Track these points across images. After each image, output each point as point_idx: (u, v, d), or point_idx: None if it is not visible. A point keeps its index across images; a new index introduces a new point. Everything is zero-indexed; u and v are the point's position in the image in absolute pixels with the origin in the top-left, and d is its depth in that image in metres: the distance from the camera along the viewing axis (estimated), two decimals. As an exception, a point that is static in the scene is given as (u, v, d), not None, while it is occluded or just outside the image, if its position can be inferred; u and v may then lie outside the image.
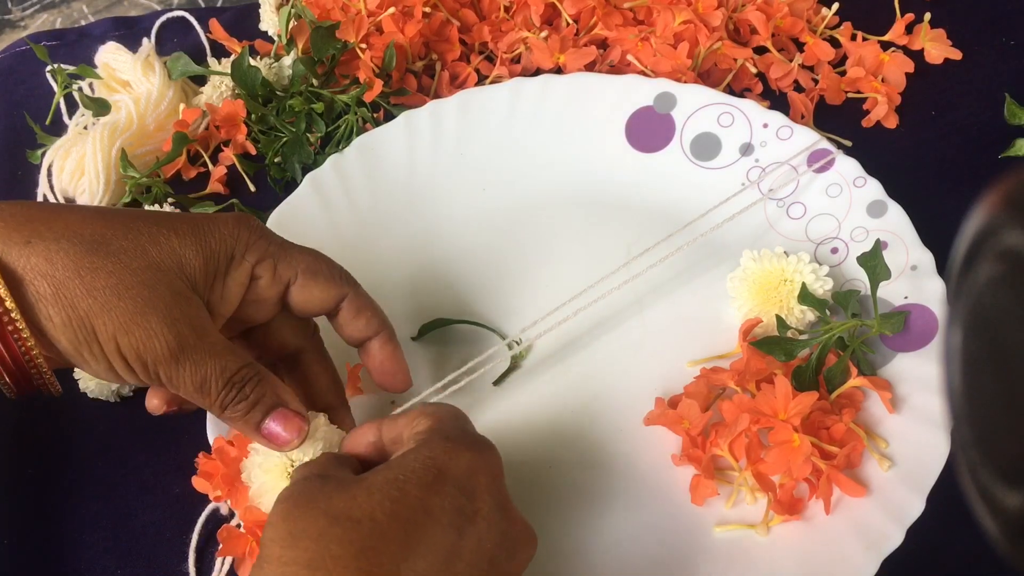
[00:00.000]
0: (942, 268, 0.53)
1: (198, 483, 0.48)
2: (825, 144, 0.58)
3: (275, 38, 0.70)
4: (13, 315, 0.40)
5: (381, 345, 0.49)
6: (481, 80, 0.67)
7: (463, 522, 0.39)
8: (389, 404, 0.53)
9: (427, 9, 0.68)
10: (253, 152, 0.65)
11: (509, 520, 0.41)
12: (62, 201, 0.64)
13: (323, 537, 0.37)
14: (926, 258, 0.54)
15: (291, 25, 0.67)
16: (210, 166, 0.65)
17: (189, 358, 0.42)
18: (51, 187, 0.65)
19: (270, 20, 0.70)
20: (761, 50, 0.67)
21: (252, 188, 0.64)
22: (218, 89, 0.66)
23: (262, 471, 0.45)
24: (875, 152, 0.60)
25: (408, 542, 0.37)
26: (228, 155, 0.64)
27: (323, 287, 0.47)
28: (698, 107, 0.61)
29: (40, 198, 0.65)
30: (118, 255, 0.41)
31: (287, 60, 0.67)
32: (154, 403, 0.46)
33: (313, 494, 0.39)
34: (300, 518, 0.38)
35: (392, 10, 0.66)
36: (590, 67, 0.65)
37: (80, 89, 0.68)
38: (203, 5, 0.85)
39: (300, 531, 0.37)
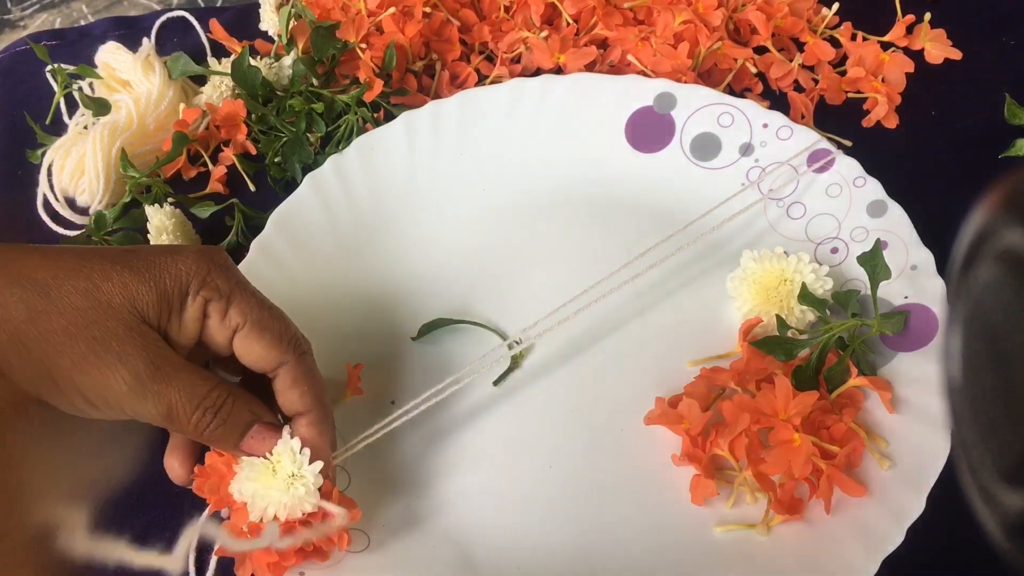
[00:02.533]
0: (942, 268, 0.53)
1: (198, 491, 0.48)
2: (825, 144, 0.58)
3: (275, 38, 0.70)
4: None
5: (307, 425, 0.46)
6: (481, 80, 0.67)
7: None
8: (389, 404, 0.53)
9: (427, 9, 0.68)
10: (253, 151, 0.65)
11: None
12: (62, 201, 0.64)
13: None
14: (926, 258, 0.54)
15: (291, 25, 0.67)
16: (210, 166, 0.65)
17: (149, 390, 0.42)
18: (51, 187, 0.65)
19: (270, 20, 0.70)
20: (761, 50, 0.67)
21: (252, 188, 0.64)
22: (218, 89, 0.66)
23: (250, 482, 0.45)
24: (875, 152, 0.60)
25: None
26: (228, 155, 0.64)
27: (265, 346, 0.45)
28: (698, 107, 0.61)
29: (40, 198, 0.65)
30: (69, 296, 0.42)
31: (287, 60, 0.67)
32: (175, 470, 0.47)
33: None
34: None
35: (392, 10, 0.66)
36: (590, 67, 0.66)
37: (80, 89, 0.68)
38: (203, 5, 0.85)
39: None
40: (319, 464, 0.45)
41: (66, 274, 0.42)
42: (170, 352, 0.43)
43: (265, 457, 0.45)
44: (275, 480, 0.45)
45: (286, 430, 0.46)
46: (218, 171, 0.64)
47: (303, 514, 0.45)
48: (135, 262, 0.44)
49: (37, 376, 0.41)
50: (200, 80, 0.69)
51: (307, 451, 0.45)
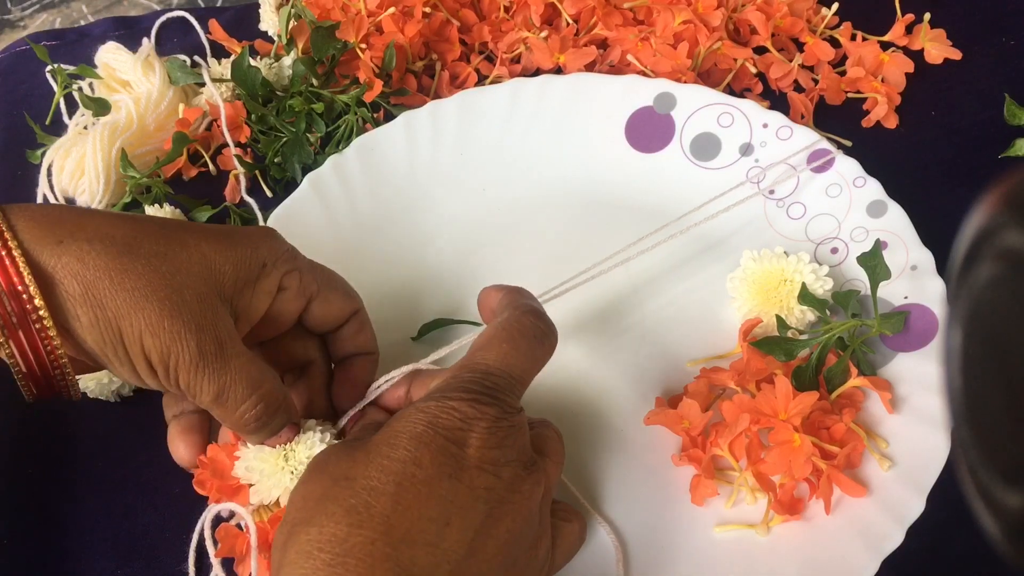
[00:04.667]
0: (942, 268, 0.53)
1: (198, 486, 0.48)
2: (825, 144, 0.58)
3: (275, 38, 0.70)
4: (41, 313, 0.40)
5: (369, 364, 0.50)
6: (481, 80, 0.67)
7: (455, 469, 0.39)
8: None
9: (427, 9, 0.68)
10: (249, 160, 0.65)
11: (521, 477, 0.41)
12: (62, 201, 0.64)
13: (325, 498, 0.38)
14: (926, 258, 0.54)
15: (291, 25, 0.67)
16: (211, 166, 0.65)
17: (210, 367, 0.42)
18: (51, 187, 0.65)
19: (270, 20, 0.70)
20: (761, 50, 0.67)
21: (269, 193, 0.63)
22: (219, 89, 0.66)
23: (258, 461, 0.45)
24: (875, 152, 0.60)
25: (398, 494, 0.38)
26: (228, 158, 0.64)
27: (340, 302, 0.49)
28: (698, 107, 0.61)
29: (40, 198, 0.65)
30: (148, 258, 0.42)
31: (287, 60, 0.67)
32: (181, 452, 0.47)
33: (326, 459, 0.41)
34: (309, 481, 0.40)
35: (392, 10, 0.66)
36: (590, 67, 0.65)
37: (80, 89, 0.68)
38: (203, 5, 0.85)
39: (308, 493, 0.39)
40: None
41: (146, 236, 0.42)
42: (235, 334, 0.44)
43: (280, 445, 0.45)
44: (287, 466, 0.45)
45: (308, 421, 0.46)
46: (231, 184, 0.63)
47: None
48: (213, 235, 0.44)
49: (105, 334, 0.41)
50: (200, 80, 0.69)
51: (322, 447, 0.45)
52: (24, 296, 0.39)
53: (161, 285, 0.41)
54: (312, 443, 0.45)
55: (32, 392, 0.42)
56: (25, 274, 0.39)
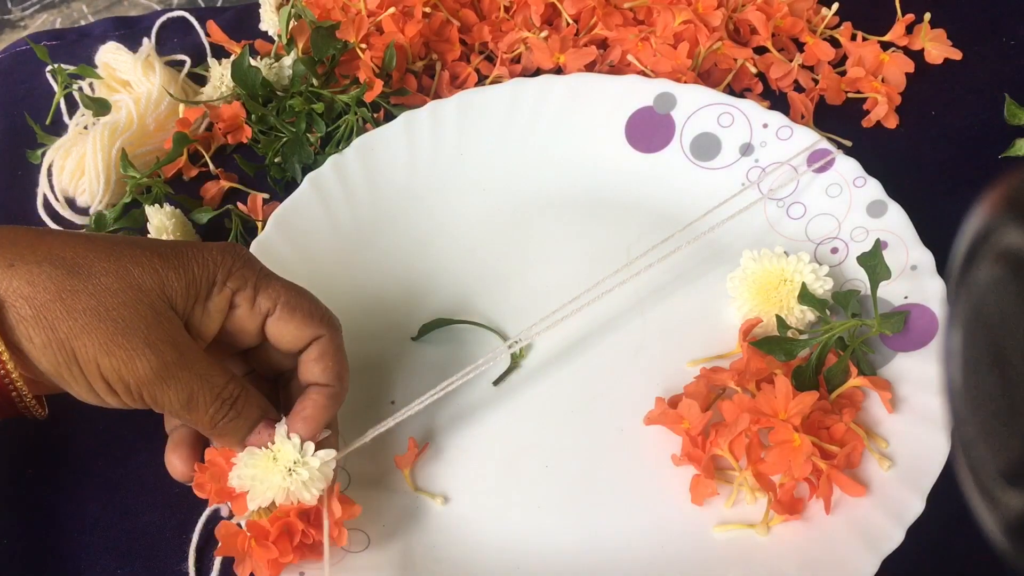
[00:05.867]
0: (942, 268, 0.53)
1: (197, 489, 0.48)
2: (825, 144, 0.58)
3: (275, 38, 0.70)
4: None
5: (322, 398, 0.47)
6: (481, 80, 0.67)
7: None
8: (389, 404, 0.53)
9: (427, 9, 0.68)
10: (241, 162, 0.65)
11: None
12: (63, 201, 0.64)
13: None
14: (926, 258, 0.54)
15: (291, 25, 0.67)
16: (211, 166, 0.65)
17: (173, 377, 0.42)
18: (51, 187, 0.65)
19: (270, 20, 0.70)
20: (761, 50, 0.67)
21: (267, 196, 0.63)
22: (219, 89, 0.66)
23: (249, 468, 0.45)
24: (875, 152, 0.60)
25: None
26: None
27: (298, 324, 0.46)
28: (698, 107, 0.61)
29: (40, 198, 0.65)
30: (99, 276, 0.42)
31: (287, 60, 0.67)
32: (176, 467, 0.47)
33: None
34: None
35: (392, 10, 0.66)
36: (590, 67, 0.66)
37: (80, 89, 0.68)
38: (203, 5, 0.85)
39: None
40: (328, 452, 0.45)
41: (96, 255, 0.42)
42: (191, 341, 0.44)
43: (266, 447, 0.45)
44: (276, 466, 0.45)
45: (281, 424, 0.46)
46: (216, 185, 0.63)
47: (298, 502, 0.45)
48: (165, 250, 0.44)
49: (59, 355, 0.41)
50: (200, 80, 0.69)
51: (310, 443, 0.45)
52: None
53: (113, 304, 0.41)
54: (298, 441, 0.45)
55: None
56: None
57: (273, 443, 0.45)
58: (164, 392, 0.42)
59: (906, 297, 0.53)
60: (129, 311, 0.41)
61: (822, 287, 0.53)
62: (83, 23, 0.82)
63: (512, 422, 0.53)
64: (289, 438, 0.45)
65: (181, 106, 0.66)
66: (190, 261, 0.44)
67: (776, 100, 0.65)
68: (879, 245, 0.52)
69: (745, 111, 0.60)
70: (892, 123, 0.64)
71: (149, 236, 0.59)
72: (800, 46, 0.67)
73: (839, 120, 0.64)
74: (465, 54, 0.69)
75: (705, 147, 0.60)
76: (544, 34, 0.66)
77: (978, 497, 0.27)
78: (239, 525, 0.47)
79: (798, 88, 0.66)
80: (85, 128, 0.67)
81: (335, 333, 0.48)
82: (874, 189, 0.56)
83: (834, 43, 0.67)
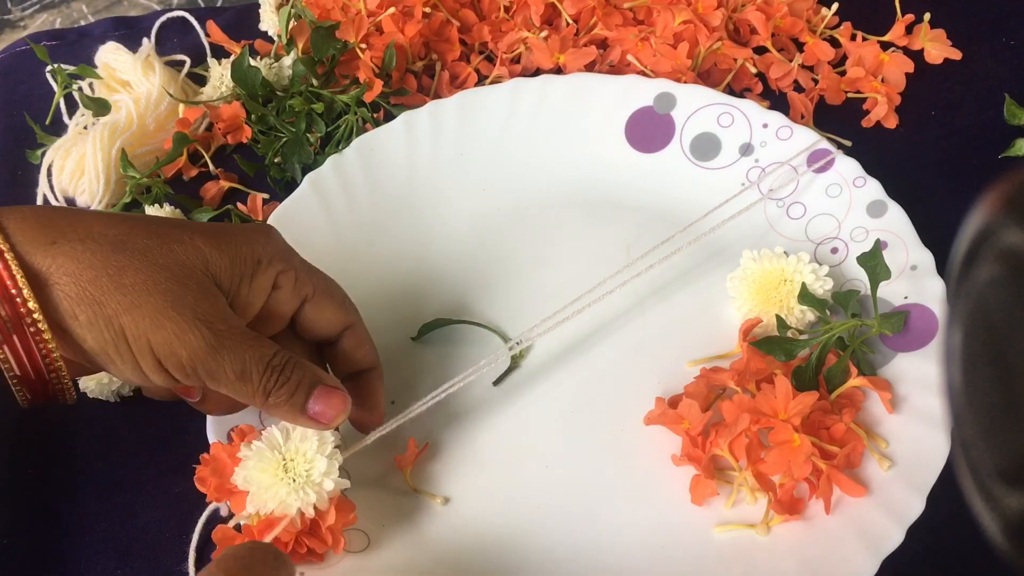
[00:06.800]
0: (942, 268, 0.53)
1: (199, 483, 0.48)
2: (825, 144, 0.58)
3: (275, 38, 0.70)
4: (35, 316, 0.39)
5: (375, 378, 0.49)
6: (481, 80, 0.67)
7: None
8: (389, 404, 0.53)
9: (427, 9, 0.68)
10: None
11: None
12: (62, 201, 0.64)
13: None
14: (926, 258, 0.54)
15: (291, 25, 0.67)
16: (211, 166, 0.65)
17: (226, 348, 0.42)
18: (51, 187, 0.65)
19: (270, 20, 0.70)
20: (761, 50, 0.67)
21: (267, 196, 0.63)
22: (219, 89, 0.66)
23: (258, 472, 0.45)
24: (875, 152, 0.60)
25: None
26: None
27: (335, 310, 0.48)
28: (698, 107, 0.61)
29: (40, 198, 0.65)
30: (145, 253, 0.41)
31: (287, 60, 0.67)
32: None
33: None
34: None
35: (392, 10, 0.66)
36: (590, 67, 0.66)
37: (80, 89, 0.68)
38: (203, 5, 0.85)
39: None
40: (342, 481, 0.45)
41: (138, 233, 0.42)
42: (236, 317, 0.44)
43: (279, 451, 0.45)
44: (286, 476, 0.44)
45: (327, 442, 0.45)
46: (215, 185, 0.63)
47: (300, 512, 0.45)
48: (205, 229, 0.44)
49: (106, 332, 0.40)
50: (200, 80, 0.69)
51: (324, 460, 0.45)
52: (17, 300, 0.39)
53: (160, 278, 0.41)
54: (312, 454, 0.45)
55: (27, 398, 0.42)
56: (18, 277, 0.39)
57: (339, 416, 0.45)
58: (219, 364, 0.42)
59: (906, 297, 0.53)
60: (177, 285, 0.41)
61: (822, 287, 0.53)
62: (83, 23, 0.82)
63: (512, 422, 0.53)
64: (326, 456, 0.45)
65: (181, 106, 0.66)
66: (232, 240, 0.44)
67: (776, 100, 0.65)
68: (879, 245, 0.52)
69: (745, 111, 0.60)
70: (892, 123, 0.64)
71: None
72: (800, 46, 0.67)
73: (839, 120, 0.64)
74: (465, 54, 0.69)
75: (705, 147, 0.60)
76: (544, 34, 0.66)
77: (978, 497, 0.27)
78: (236, 528, 0.47)
79: (798, 88, 0.66)
80: (85, 128, 0.67)
81: (362, 322, 0.49)
82: (874, 189, 0.56)
83: (834, 43, 0.67)
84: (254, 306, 0.45)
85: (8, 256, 0.39)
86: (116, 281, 0.40)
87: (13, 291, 0.39)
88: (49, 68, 0.70)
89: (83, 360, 0.42)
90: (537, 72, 0.67)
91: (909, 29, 0.67)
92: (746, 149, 0.60)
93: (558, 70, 0.66)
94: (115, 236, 0.41)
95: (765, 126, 0.60)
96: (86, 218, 0.42)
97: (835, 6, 0.67)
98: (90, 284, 0.40)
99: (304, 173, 0.60)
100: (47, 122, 0.68)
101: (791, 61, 0.65)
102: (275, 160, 0.64)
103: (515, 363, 0.55)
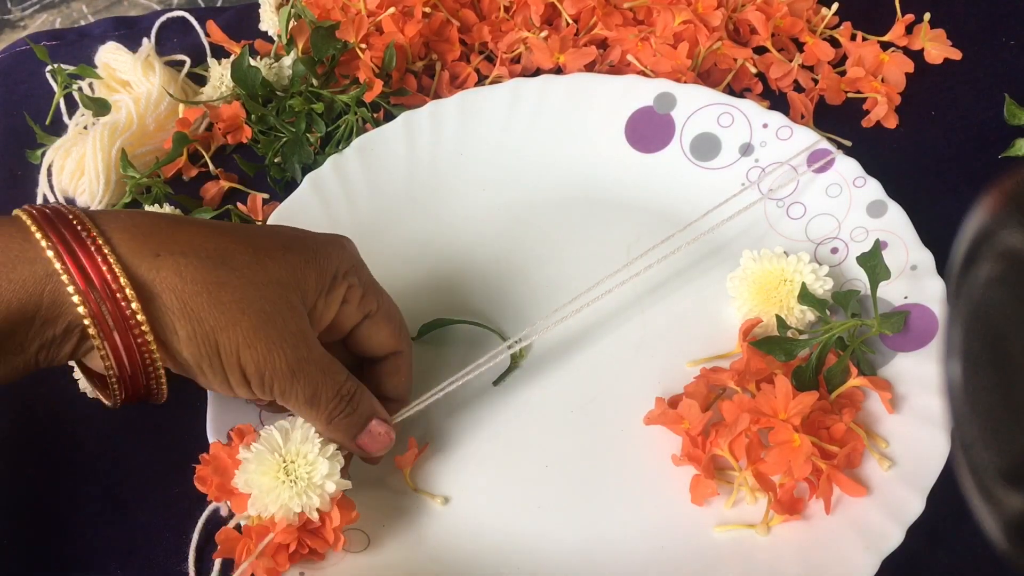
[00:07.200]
0: (942, 268, 0.53)
1: (199, 483, 0.48)
2: (825, 144, 0.58)
3: (275, 38, 0.70)
4: (143, 328, 0.40)
5: (393, 410, 0.49)
6: (481, 80, 0.67)
7: None
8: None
9: (427, 9, 0.68)
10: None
11: None
12: (62, 201, 0.64)
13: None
14: (926, 258, 0.54)
15: (291, 25, 0.67)
16: (211, 166, 0.65)
17: (304, 372, 0.43)
18: (51, 187, 0.65)
19: (270, 20, 0.70)
20: (761, 50, 0.67)
21: (267, 196, 0.63)
22: (219, 89, 0.66)
23: (259, 474, 0.45)
24: (875, 152, 0.60)
25: None
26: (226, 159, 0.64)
27: (391, 333, 0.48)
28: (698, 107, 0.61)
29: (40, 198, 0.65)
30: (242, 270, 0.42)
31: (287, 60, 0.67)
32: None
33: None
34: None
35: (392, 10, 0.66)
36: (590, 67, 0.65)
37: (80, 89, 0.68)
38: (203, 5, 0.85)
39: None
40: (344, 482, 0.46)
41: (236, 247, 0.43)
42: (314, 335, 0.44)
43: (280, 454, 0.45)
44: (287, 479, 0.44)
45: (328, 444, 0.46)
46: (215, 185, 0.63)
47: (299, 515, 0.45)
48: (293, 244, 0.45)
49: (202, 347, 0.41)
50: (200, 80, 0.69)
51: (326, 463, 0.45)
52: (121, 300, 0.40)
53: (256, 297, 0.42)
54: (314, 457, 0.45)
55: (121, 396, 0.43)
56: (122, 279, 0.40)
57: (382, 452, 0.47)
58: (293, 386, 0.43)
59: (906, 297, 0.53)
60: (270, 304, 0.42)
61: (822, 287, 0.53)
62: (83, 23, 0.82)
63: (512, 422, 0.53)
64: (328, 457, 0.45)
65: (181, 106, 0.66)
66: (317, 255, 0.45)
67: (776, 100, 0.65)
68: (879, 245, 0.52)
69: (745, 111, 0.60)
70: (892, 123, 0.64)
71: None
72: (800, 46, 0.67)
73: (839, 120, 0.64)
74: (465, 54, 0.69)
75: (705, 147, 0.60)
76: (544, 34, 0.66)
77: (978, 497, 0.27)
78: (237, 529, 0.47)
79: (798, 88, 0.66)
80: (85, 128, 0.67)
81: (411, 352, 0.49)
82: (874, 189, 0.56)
83: (834, 43, 0.67)
84: (326, 319, 0.46)
85: (112, 259, 0.40)
86: (215, 297, 0.41)
87: (115, 288, 0.40)
88: (49, 68, 0.70)
89: (171, 366, 0.43)
90: (537, 72, 0.67)
91: (909, 29, 0.67)
92: (746, 149, 0.60)
93: (558, 70, 0.66)
94: (215, 250, 0.42)
95: (765, 126, 0.60)
96: (186, 228, 0.43)
97: (835, 6, 0.67)
98: (191, 299, 0.41)
99: (304, 173, 0.60)
100: (47, 122, 0.68)
101: (791, 61, 0.65)
102: (275, 160, 0.64)
103: (515, 363, 0.55)
